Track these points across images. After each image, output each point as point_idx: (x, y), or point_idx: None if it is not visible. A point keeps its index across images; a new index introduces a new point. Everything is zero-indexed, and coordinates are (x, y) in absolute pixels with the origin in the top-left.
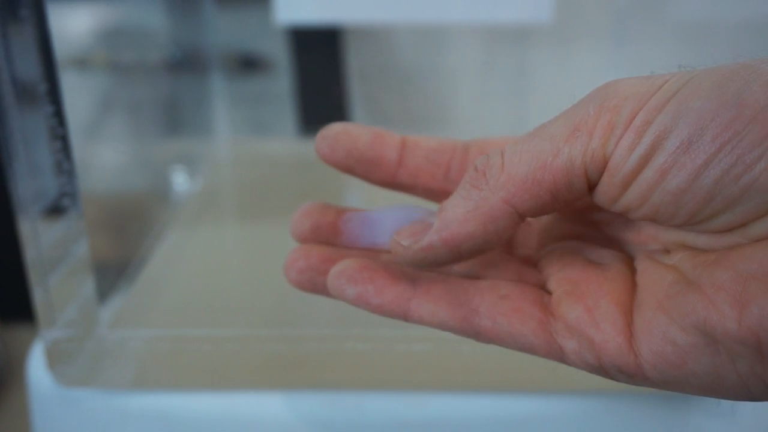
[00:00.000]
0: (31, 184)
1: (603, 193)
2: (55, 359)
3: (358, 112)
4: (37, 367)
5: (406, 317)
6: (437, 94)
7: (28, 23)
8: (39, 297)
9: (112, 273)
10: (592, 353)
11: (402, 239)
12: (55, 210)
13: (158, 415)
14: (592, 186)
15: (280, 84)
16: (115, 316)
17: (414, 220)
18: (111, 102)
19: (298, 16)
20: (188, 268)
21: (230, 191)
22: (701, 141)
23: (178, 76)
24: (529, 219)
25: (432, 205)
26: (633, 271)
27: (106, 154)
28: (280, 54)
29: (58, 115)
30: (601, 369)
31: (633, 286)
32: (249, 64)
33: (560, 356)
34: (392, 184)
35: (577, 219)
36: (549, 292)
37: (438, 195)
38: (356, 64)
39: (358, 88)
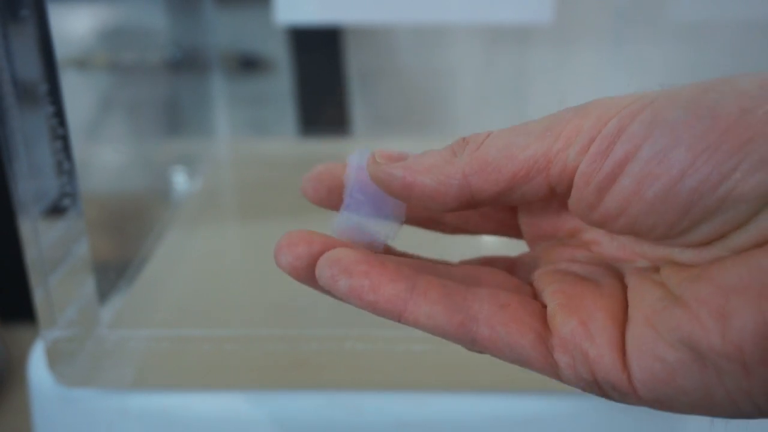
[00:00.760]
0: (32, 185)
1: (579, 200)
2: (55, 359)
3: (358, 112)
4: (37, 366)
5: (400, 318)
6: (437, 94)
7: (28, 23)
8: (39, 297)
9: (113, 273)
10: (587, 368)
11: (378, 156)
12: (56, 210)
13: (158, 415)
14: (553, 186)
15: (280, 84)
16: (116, 316)
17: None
18: (111, 102)
19: (298, 16)
20: (188, 268)
21: (230, 191)
22: (676, 151)
23: (178, 76)
24: (523, 256)
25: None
26: (625, 288)
27: (106, 154)
28: (280, 54)
29: (59, 116)
30: (596, 384)
31: (625, 302)
32: (249, 64)
33: (555, 371)
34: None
35: (568, 243)
36: (543, 306)
37: (434, 222)
38: (356, 64)
39: (358, 88)
